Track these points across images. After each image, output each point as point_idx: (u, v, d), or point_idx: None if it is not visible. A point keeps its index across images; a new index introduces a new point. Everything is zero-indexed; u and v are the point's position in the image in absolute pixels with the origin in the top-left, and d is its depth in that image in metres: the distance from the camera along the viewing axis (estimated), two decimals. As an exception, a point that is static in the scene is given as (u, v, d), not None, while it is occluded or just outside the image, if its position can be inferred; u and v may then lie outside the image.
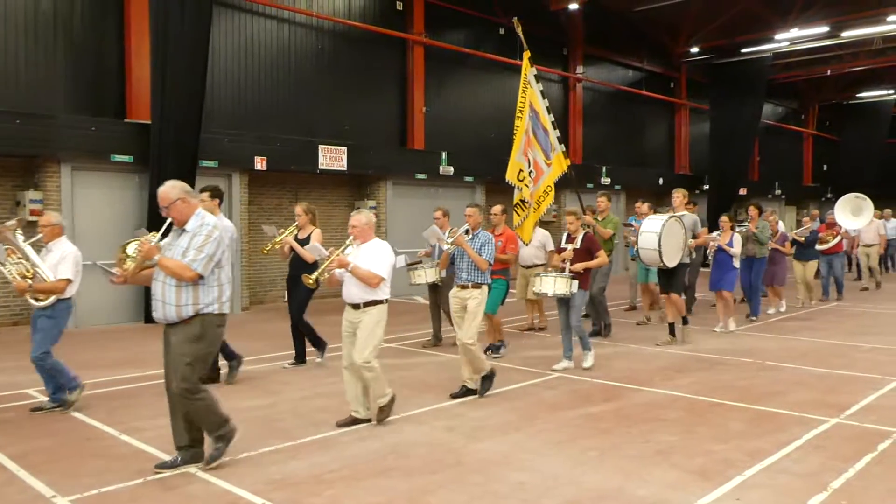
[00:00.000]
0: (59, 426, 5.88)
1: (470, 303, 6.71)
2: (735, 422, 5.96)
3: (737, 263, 10.32)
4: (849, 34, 20.55)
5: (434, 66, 16.82)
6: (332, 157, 14.29)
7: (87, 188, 11.47)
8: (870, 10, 19.36)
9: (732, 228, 10.53)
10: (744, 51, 22.16)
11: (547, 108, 9.10)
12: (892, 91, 29.43)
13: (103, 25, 11.99)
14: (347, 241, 5.93)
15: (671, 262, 9.00)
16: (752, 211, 11.53)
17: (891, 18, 19.02)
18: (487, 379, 6.76)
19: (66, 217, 10.94)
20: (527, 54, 9.12)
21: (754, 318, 11.55)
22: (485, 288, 6.79)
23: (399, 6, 16.19)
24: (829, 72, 27.12)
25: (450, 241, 6.88)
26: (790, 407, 6.36)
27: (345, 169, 14.52)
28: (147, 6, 11.68)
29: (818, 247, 13.54)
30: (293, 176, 14.49)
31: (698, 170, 25.02)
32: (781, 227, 12.92)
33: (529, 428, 5.81)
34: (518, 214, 9.18)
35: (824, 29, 20.19)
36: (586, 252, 7.95)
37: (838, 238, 14.03)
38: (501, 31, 18.14)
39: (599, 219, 10.42)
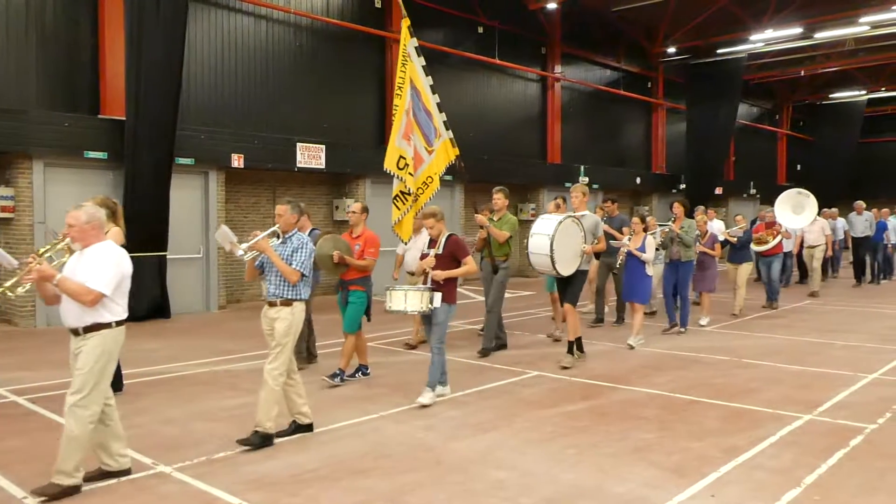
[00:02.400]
0: (31, 426, 5.79)
1: (278, 325, 5.32)
2: (711, 419, 6.01)
3: (650, 271, 9.29)
4: (822, 35, 20.94)
5: (413, 64, 16.78)
6: (311, 155, 14.20)
7: (59, 185, 11.27)
8: (842, 11, 19.69)
9: (645, 230, 9.32)
10: (719, 51, 22.50)
11: (431, 86, 7.84)
12: (864, 92, 29.99)
13: (76, 18, 11.79)
14: (61, 244, 4.48)
15: (566, 271, 7.74)
16: (677, 209, 10.16)
17: (862, 20, 19.41)
18: (263, 438, 5.20)
19: (37, 215, 10.84)
20: (405, 22, 7.94)
21: (683, 330, 10.19)
22: (297, 305, 5.41)
23: (378, 3, 16.13)
24: (802, 72, 27.61)
25: (244, 246, 5.39)
26: (765, 404, 6.44)
27: (323, 167, 14.45)
28: (122, -1, 11.55)
29: (755, 248, 12.51)
30: (271, 174, 14.38)
31: (675, 169, 25.30)
32: (714, 226, 11.80)
33: (508, 426, 5.81)
34: (398, 208, 8.05)
35: (798, 30, 20.60)
36: (450, 258, 6.60)
37: (779, 238, 12.71)
38: (480, 30, 18.16)
39: (495, 219, 8.72)
